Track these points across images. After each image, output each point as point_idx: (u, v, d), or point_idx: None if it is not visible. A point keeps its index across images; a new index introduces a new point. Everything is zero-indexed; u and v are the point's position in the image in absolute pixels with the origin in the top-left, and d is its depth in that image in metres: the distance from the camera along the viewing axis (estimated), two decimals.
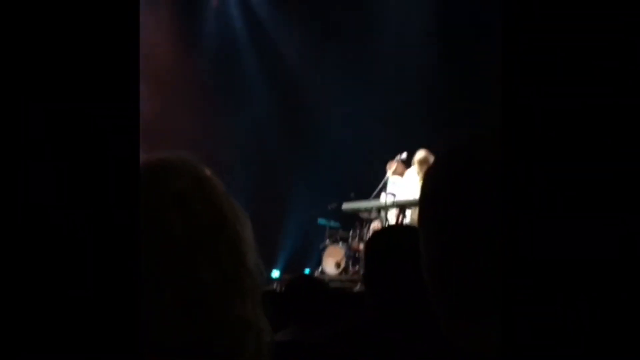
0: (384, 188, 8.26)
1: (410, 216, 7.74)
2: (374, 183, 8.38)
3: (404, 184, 8.14)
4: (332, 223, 9.36)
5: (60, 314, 1.06)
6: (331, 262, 8.69)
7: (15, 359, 1.02)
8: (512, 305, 0.90)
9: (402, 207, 7.81)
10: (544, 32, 0.94)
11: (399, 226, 6.40)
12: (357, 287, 6.88)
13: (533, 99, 0.93)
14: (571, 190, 0.91)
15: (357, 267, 8.46)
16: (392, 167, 8.26)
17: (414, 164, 8.09)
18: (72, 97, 1.13)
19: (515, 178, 0.91)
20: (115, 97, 1.13)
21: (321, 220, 9.43)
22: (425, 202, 1.03)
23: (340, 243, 8.99)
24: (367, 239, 6.34)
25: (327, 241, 9.10)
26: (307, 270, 9.64)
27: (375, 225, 8.28)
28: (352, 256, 8.64)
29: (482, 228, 0.94)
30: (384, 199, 8.13)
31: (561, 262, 0.90)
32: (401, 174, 8.28)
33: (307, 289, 3.12)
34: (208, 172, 1.12)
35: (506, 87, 0.94)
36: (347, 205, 8.50)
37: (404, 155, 8.15)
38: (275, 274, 9.78)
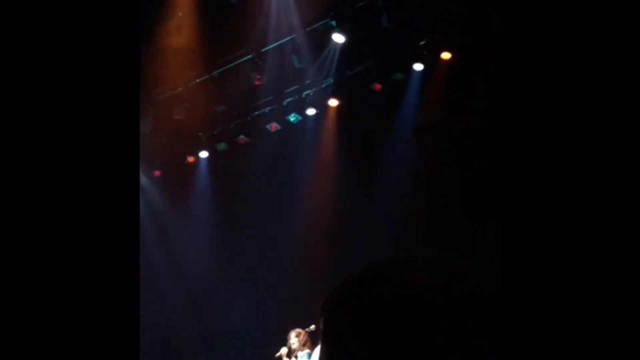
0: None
1: None
2: None
3: (315, 357, 8.03)
4: None
5: (60, 314, 1.05)
6: None
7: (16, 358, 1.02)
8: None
9: None
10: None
11: None
12: None
13: None
14: None
15: None
16: (301, 339, 8.10)
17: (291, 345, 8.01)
18: (72, 96, 1.13)
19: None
20: (115, 100, 1.13)
21: None
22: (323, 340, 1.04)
23: None
24: None
25: None
26: None
27: None
28: None
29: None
30: None
31: None
32: (309, 347, 8.13)
33: None
34: None
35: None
36: None
37: (312, 327, 8.04)
38: None
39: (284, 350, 8.27)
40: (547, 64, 1.02)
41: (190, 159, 10.66)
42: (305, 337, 8.11)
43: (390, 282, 1.00)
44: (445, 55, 9.02)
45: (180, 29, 9.20)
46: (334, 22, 8.92)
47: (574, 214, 0.96)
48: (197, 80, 9.82)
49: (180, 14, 9.19)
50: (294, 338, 8.20)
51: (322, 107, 9.96)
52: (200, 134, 10.40)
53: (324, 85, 9.81)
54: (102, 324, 1.08)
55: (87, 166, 1.14)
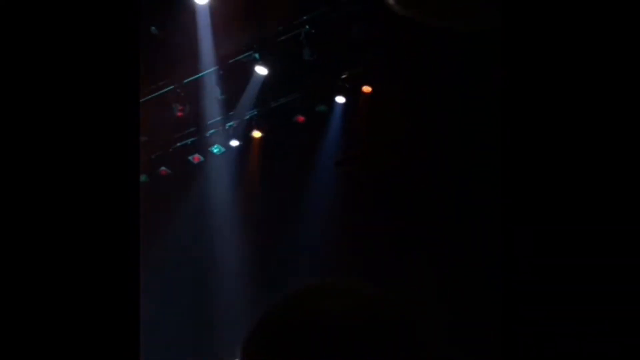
0: None
1: None
2: None
3: None
4: None
5: (60, 314, 1.03)
6: None
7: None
8: None
9: None
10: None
11: None
12: None
13: None
14: None
15: None
16: None
17: None
18: (71, 95, 1.11)
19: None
20: (115, 100, 1.12)
21: None
22: None
23: None
24: None
25: None
26: None
27: None
28: None
29: None
30: None
31: None
32: None
33: None
34: None
35: None
36: None
37: None
38: None
39: None
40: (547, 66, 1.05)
41: None
42: None
43: (304, 311, 1.03)
44: (367, 89, 9.20)
45: None
46: (257, 55, 8.97)
47: (574, 215, 0.99)
48: None
49: None
50: None
51: (246, 139, 9.96)
52: None
53: (247, 117, 9.82)
54: (102, 319, 1.06)
55: (82, 166, 1.12)
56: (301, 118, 9.50)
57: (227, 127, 9.93)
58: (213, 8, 8.61)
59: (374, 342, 0.98)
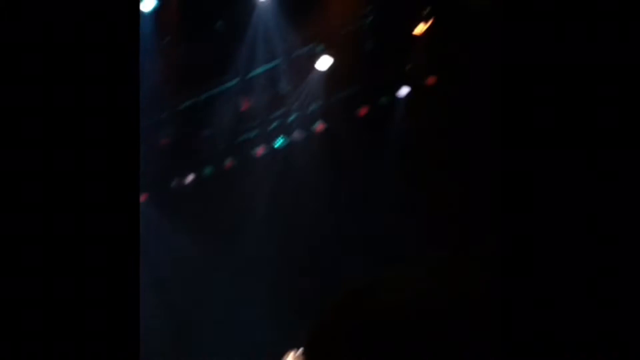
0: None
1: None
2: None
3: None
4: None
5: (59, 314, 1.05)
6: None
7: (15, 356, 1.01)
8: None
9: None
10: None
11: None
12: None
13: None
14: None
15: None
16: None
17: None
18: (72, 94, 1.12)
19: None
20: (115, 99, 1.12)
21: None
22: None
23: None
24: None
25: None
26: None
27: None
28: None
29: None
30: None
31: None
32: None
33: None
34: None
35: None
36: None
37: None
38: None
39: None
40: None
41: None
42: None
43: (367, 307, 1.04)
44: (431, 80, 9.12)
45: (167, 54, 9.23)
46: (320, 47, 8.99)
47: (576, 217, 0.99)
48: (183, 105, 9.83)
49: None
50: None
51: (308, 132, 10.01)
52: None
53: (310, 110, 9.86)
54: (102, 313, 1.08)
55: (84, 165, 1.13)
56: (363, 110, 9.48)
57: (289, 121, 10.00)
58: (276, 2, 8.68)
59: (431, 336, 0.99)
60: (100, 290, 1.10)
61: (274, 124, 10.03)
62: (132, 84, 1.18)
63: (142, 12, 8.37)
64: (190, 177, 10.55)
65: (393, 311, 1.02)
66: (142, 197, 10.75)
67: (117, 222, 1.13)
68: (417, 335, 0.99)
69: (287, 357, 7.86)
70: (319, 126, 9.92)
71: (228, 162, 10.22)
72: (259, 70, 9.39)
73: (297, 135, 10.02)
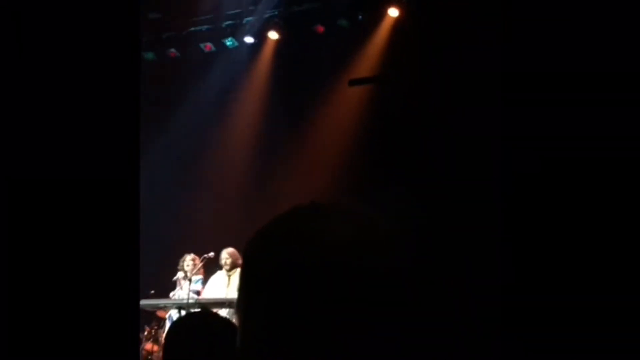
0: (179, 285, 8.10)
1: None
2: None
3: (212, 283, 8.03)
4: None
5: (59, 314, 1.04)
6: None
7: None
8: None
9: (204, 305, 7.26)
10: None
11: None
12: None
13: None
14: None
15: None
16: (197, 264, 8.08)
17: (222, 264, 7.97)
18: (71, 93, 1.08)
19: None
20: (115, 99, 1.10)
21: None
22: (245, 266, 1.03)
23: None
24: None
25: None
26: None
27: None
28: None
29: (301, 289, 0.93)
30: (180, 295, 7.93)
31: None
32: (201, 273, 8.13)
33: None
34: None
35: None
36: (145, 302, 7.71)
37: (212, 254, 8.00)
38: None
39: (180, 274, 8.24)
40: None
41: None
42: (201, 263, 8.09)
43: (301, 239, 0.97)
44: (393, 12, 8.96)
45: None
46: None
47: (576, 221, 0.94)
48: None
49: None
50: (190, 261, 8.18)
51: (261, 38, 9.71)
52: None
53: (266, 16, 9.54)
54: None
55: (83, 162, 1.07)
56: (321, 28, 9.26)
57: (244, 22, 9.66)
58: None
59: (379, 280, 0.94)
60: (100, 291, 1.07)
61: (228, 22, 9.68)
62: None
63: None
64: None
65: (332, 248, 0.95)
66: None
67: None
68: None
69: (187, 257, 7.94)
70: (273, 34, 9.62)
71: (172, 51, 9.84)
72: None
73: (249, 39, 9.70)
